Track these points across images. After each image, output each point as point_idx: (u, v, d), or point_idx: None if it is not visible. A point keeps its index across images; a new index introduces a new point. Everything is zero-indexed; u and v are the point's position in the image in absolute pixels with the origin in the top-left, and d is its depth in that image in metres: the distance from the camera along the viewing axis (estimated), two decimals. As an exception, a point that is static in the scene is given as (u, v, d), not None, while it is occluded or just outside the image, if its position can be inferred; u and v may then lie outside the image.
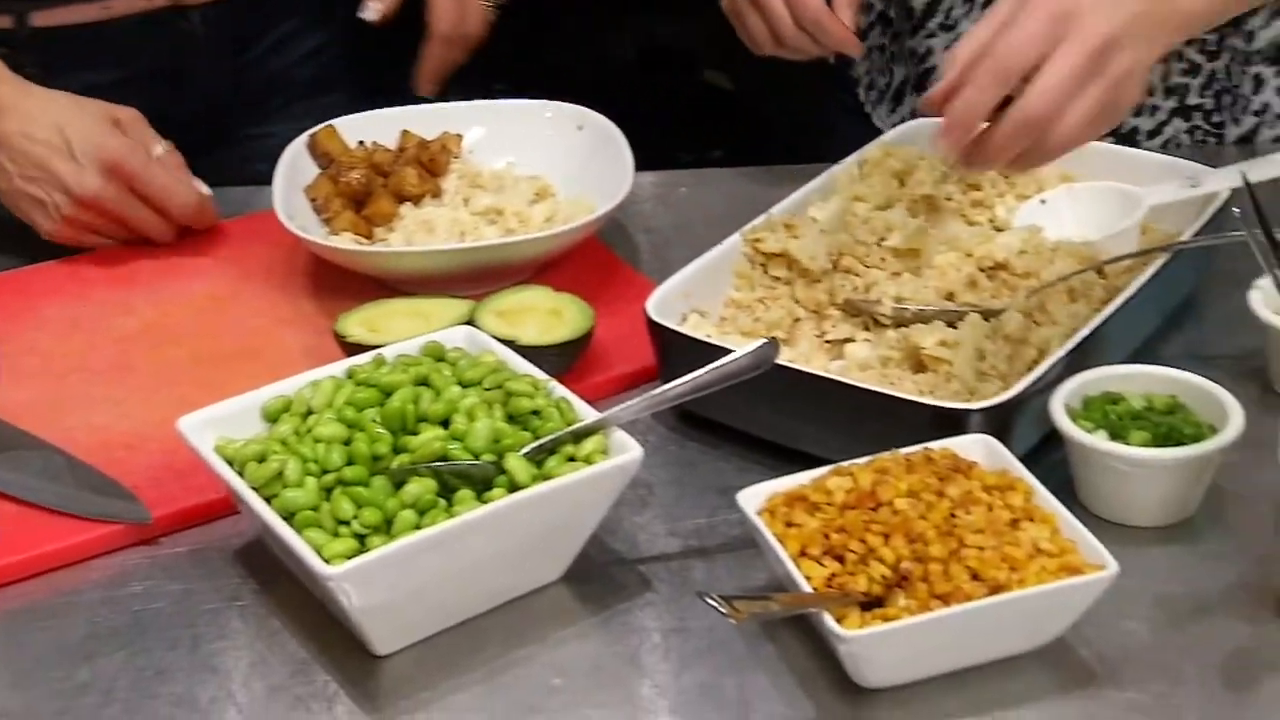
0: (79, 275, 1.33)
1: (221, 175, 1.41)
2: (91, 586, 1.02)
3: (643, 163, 1.33)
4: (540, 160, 1.36)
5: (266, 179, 1.32)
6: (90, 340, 1.25)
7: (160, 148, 1.34)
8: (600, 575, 1.01)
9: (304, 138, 1.33)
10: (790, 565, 0.91)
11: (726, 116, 2.44)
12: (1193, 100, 1.42)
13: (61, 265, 1.35)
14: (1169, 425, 1.01)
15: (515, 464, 0.94)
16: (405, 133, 1.36)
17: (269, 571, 1.01)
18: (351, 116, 1.35)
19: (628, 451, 0.97)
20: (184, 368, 1.21)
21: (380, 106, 1.39)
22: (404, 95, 1.45)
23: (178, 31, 1.52)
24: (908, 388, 1.09)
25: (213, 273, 1.33)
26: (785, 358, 1.14)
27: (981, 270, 1.18)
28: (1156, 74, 1.41)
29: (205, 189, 1.36)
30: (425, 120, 1.35)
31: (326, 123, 1.32)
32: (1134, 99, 1.01)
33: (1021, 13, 0.98)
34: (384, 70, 1.64)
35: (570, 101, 1.40)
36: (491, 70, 1.63)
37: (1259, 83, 1.42)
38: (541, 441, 0.97)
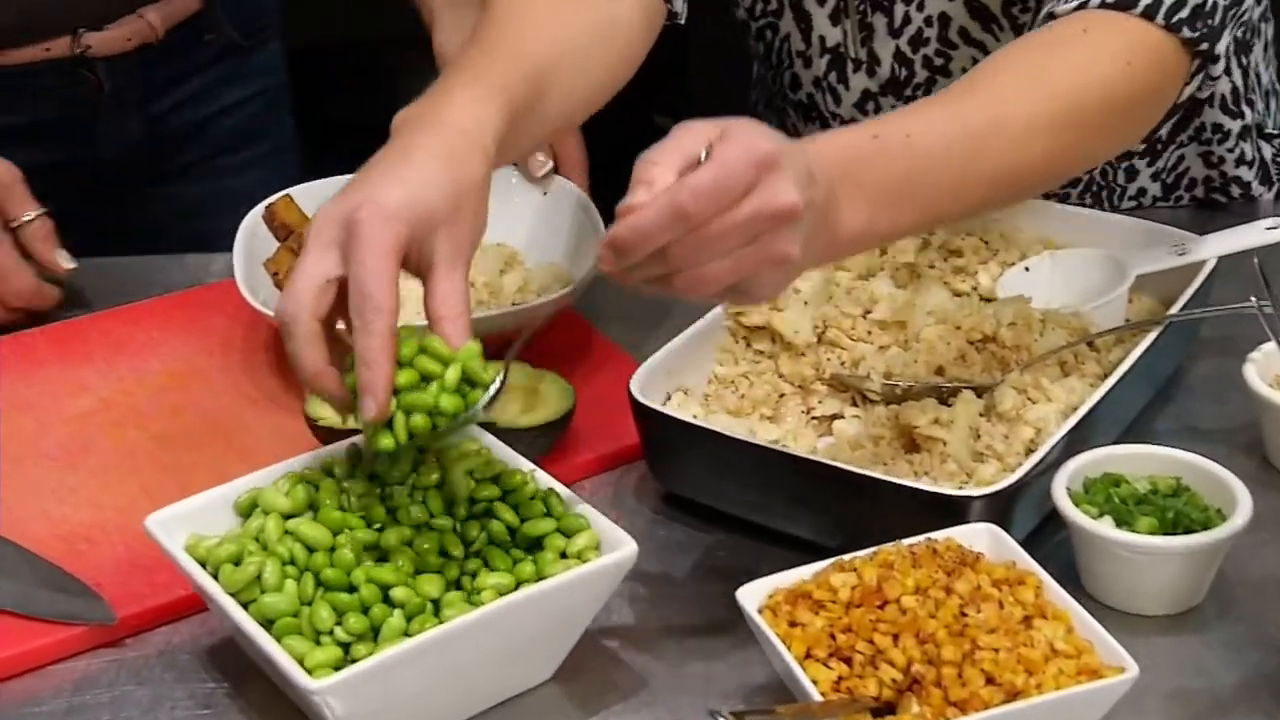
0: (26, 352, 1.28)
1: (149, 232, 1.36)
2: (52, 694, 0.96)
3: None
4: (505, 227, 1.32)
5: (205, 239, 1.27)
6: (42, 422, 1.19)
7: (31, 213, 1.30)
8: (593, 674, 0.97)
9: (260, 208, 1.28)
10: (796, 669, 0.87)
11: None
12: (1071, 204, 1.39)
13: (6, 341, 1.29)
14: (1175, 510, 0.98)
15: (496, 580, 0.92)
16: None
17: (242, 673, 0.96)
18: (308, 185, 1.30)
19: (621, 547, 0.93)
20: (146, 451, 1.16)
21: (315, 156, 1.34)
22: (337, 147, 1.39)
23: (81, 82, 1.48)
24: (902, 468, 1.06)
25: (171, 347, 1.28)
26: (772, 435, 1.12)
27: (970, 343, 1.15)
28: None
29: (69, 263, 1.32)
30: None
31: (283, 192, 1.27)
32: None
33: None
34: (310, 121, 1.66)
35: None
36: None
37: (1132, 173, 1.41)
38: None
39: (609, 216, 1.22)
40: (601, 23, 1.15)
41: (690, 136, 0.89)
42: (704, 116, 1.40)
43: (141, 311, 1.33)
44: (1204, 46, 1.11)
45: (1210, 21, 1.10)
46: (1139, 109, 1.10)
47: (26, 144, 1.45)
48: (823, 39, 1.36)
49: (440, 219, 0.96)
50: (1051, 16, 1.10)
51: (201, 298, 1.33)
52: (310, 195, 1.28)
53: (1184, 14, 1.09)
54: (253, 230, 1.27)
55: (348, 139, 1.42)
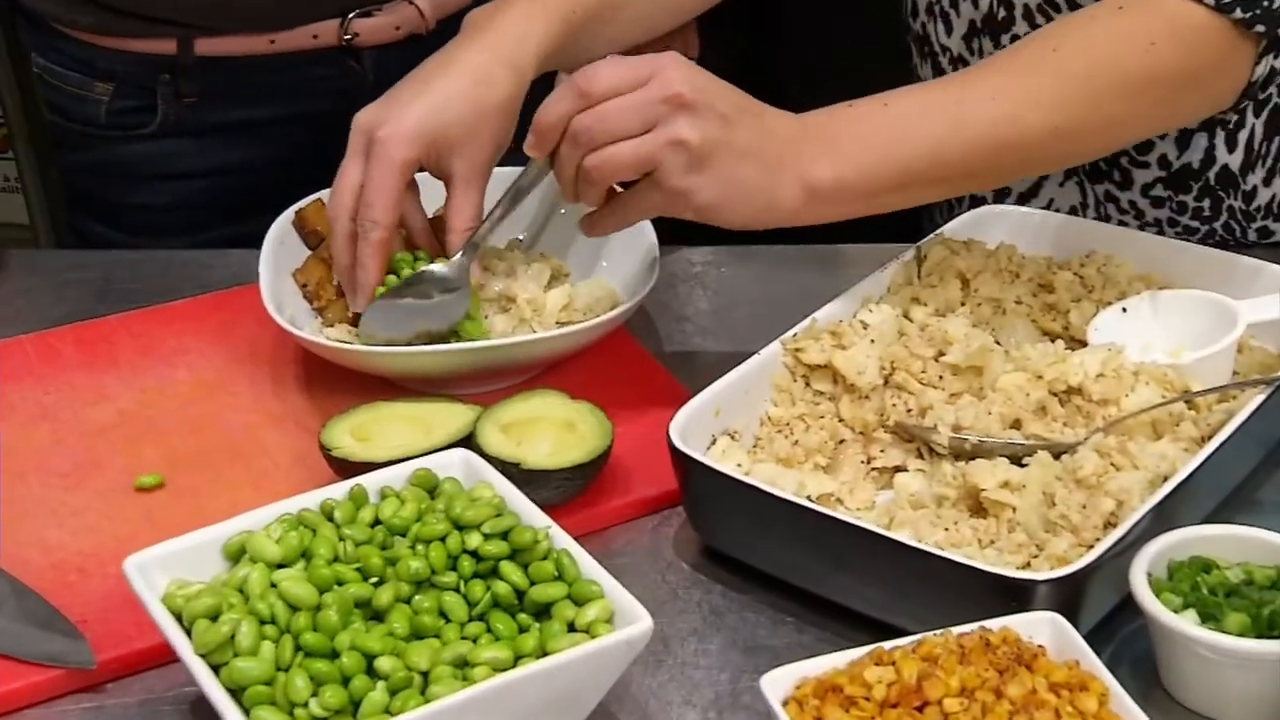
0: (51, 352, 1.21)
1: None
2: (22, 743, 0.90)
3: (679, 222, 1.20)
4: (550, 239, 1.23)
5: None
6: (57, 434, 1.13)
7: None
8: (603, 754, 0.88)
9: (289, 213, 1.20)
10: (819, 777, 0.77)
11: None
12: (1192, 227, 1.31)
13: (33, 340, 1.23)
14: (1273, 608, 0.86)
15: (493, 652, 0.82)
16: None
17: (226, 732, 0.89)
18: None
19: (636, 621, 0.83)
20: (158, 472, 1.08)
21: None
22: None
23: (346, 72, 1.43)
24: (964, 534, 0.96)
25: (199, 354, 1.21)
26: (826, 488, 1.02)
27: (1053, 394, 1.04)
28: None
29: None
30: (424, 191, 1.22)
31: (314, 196, 1.20)
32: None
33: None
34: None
35: None
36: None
37: (1267, 234, 1.30)
38: None
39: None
40: None
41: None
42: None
43: (174, 313, 1.26)
44: (1260, 28, 1.06)
45: (1269, 2, 1.05)
46: (1164, 91, 1.07)
47: (290, 135, 1.44)
48: None
49: (457, 139, 1.10)
50: None
51: (237, 300, 1.25)
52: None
53: None
54: (280, 238, 1.19)
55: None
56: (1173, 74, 1.07)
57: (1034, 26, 1.24)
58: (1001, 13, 1.26)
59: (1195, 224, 1.29)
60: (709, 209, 1.03)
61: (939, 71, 1.34)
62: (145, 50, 1.40)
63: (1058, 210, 1.30)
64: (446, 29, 1.39)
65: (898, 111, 1.05)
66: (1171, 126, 1.22)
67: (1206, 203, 1.27)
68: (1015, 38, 1.26)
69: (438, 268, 1.11)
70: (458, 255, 1.11)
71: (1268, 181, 1.27)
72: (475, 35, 1.13)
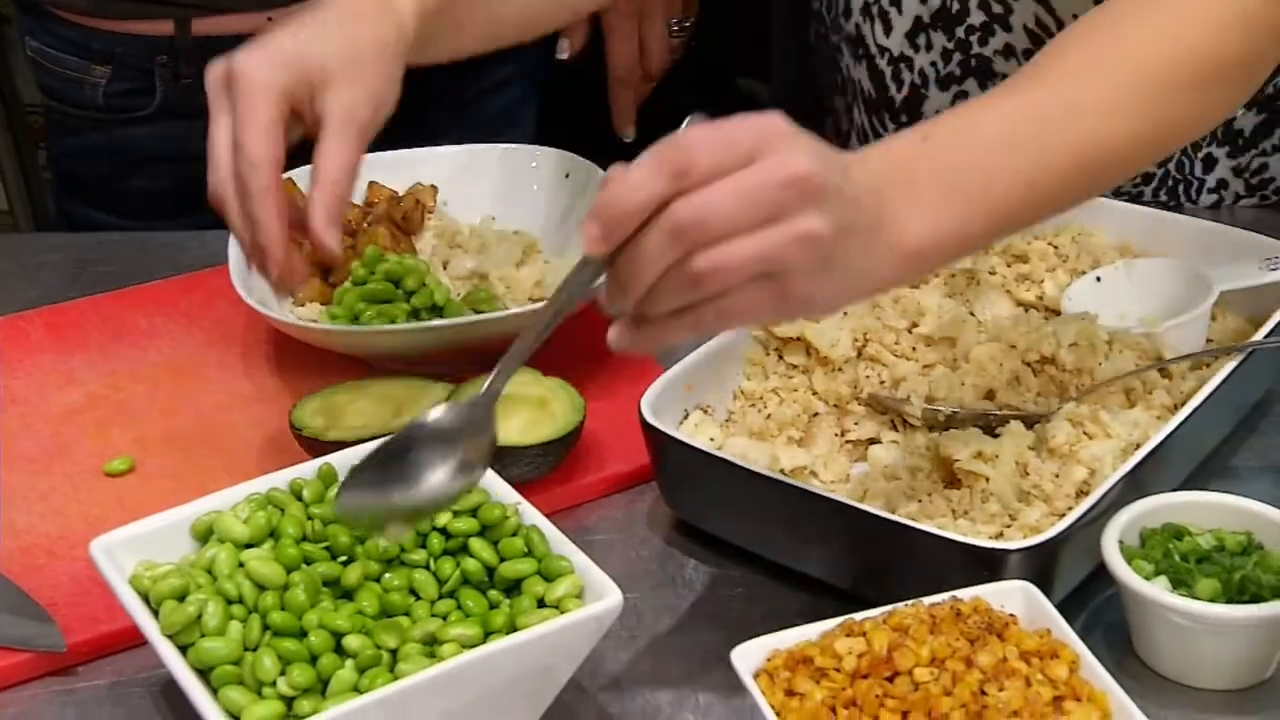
0: (20, 336, 1.21)
1: None
2: (-13, 730, 0.89)
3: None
4: (523, 213, 1.22)
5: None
6: (25, 418, 1.12)
7: None
8: (576, 730, 0.87)
9: None
10: (788, 748, 0.77)
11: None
12: (1145, 202, 1.27)
13: (2, 324, 1.22)
14: (1243, 573, 0.86)
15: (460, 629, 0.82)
16: (373, 185, 1.22)
17: (196, 714, 0.88)
18: (308, 167, 1.21)
19: (605, 596, 0.83)
20: (128, 455, 1.07)
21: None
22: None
23: None
24: (938, 505, 0.95)
25: (170, 337, 1.21)
26: (799, 461, 1.01)
27: (1026, 364, 1.03)
28: None
29: None
30: (393, 169, 1.21)
31: (284, 175, 1.18)
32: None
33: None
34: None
35: (592, 106, 1.26)
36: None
37: (1211, 162, 1.28)
38: None
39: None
40: None
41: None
42: (796, 80, 1.31)
43: (144, 295, 1.25)
44: None
45: None
46: (1236, 77, 0.96)
47: None
48: None
49: (332, 72, 0.92)
50: None
51: (209, 282, 1.25)
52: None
53: None
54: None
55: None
56: (1238, 60, 0.96)
57: (990, 13, 1.22)
58: (955, 5, 1.24)
59: (1151, 168, 1.28)
60: (823, 309, 0.86)
61: (875, 72, 1.30)
62: (142, 31, 1.39)
63: None
64: None
65: (982, 136, 0.87)
66: (1228, 114, 1.10)
67: None
68: (970, 28, 1.23)
69: (442, 415, 0.83)
70: (469, 396, 0.84)
71: None
72: None
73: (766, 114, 0.77)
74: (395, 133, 1.02)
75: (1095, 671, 0.80)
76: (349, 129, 0.92)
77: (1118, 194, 1.29)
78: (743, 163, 0.75)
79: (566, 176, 1.23)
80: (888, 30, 1.27)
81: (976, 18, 1.23)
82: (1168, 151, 0.98)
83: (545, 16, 1.11)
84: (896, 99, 1.31)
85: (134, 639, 0.92)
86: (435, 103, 1.43)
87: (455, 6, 1.01)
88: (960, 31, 1.24)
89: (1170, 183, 1.29)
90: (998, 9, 1.21)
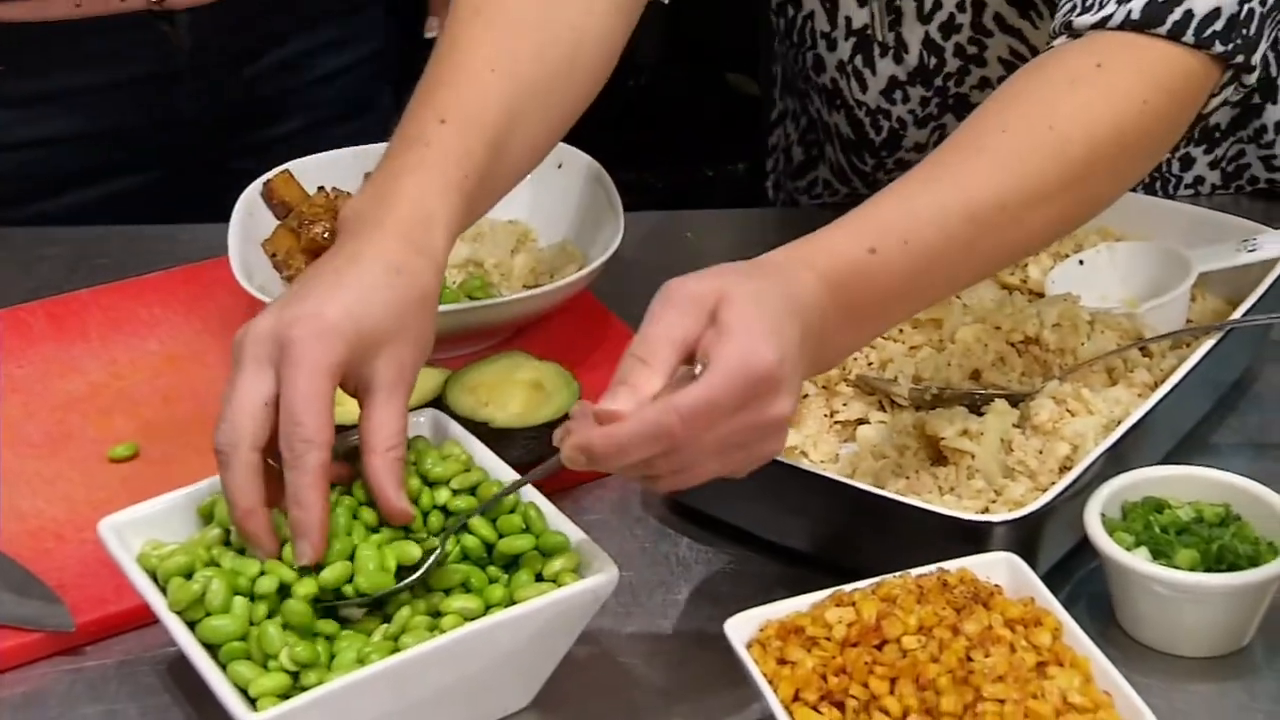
0: (23, 326, 1.22)
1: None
2: (-1, 706, 0.91)
3: (662, 175, 1.20)
4: (517, 203, 1.24)
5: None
6: (29, 406, 1.14)
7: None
8: (575, 702, 0.89)
9: (257, 184, 1.21)
10: (783, 714, 0.79)
11: (751, 124, 2.32)
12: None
13: (4, 315, 1.24)
14: (1221, 543, 0.88)
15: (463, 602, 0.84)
16: (369, 176, 1.23)
17: (203, 692, 0.90)
18: (309, 158, 1.24)
19: (602, 570, 0.85)
20: (131, 441, 1.09)
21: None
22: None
23: (160, 37, 1.40)
24: (924, 482, 0.98)
25: (171, 326, 1.22)
26: (792, 441, 1.03)
27: (1011, 345, 1.06)
28: None
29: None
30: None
31: (281, 168, 1.21)
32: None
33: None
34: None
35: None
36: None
37: (1189, 161, 1.31)
38: None
39: (675, 178, 1.12)
40: (567, 53, 1.04)
41: (681, 323, 0.81)
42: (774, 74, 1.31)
43: (145, 286, 1.27)
44: (1239, 59, 0.98)
45: (1246, 32, 0.98)
46: (1154, 143, 0.99)
47: (104, 106, 1.39)
48: (849, 20, 1.26)
49: (383, 339, 0.89)
50: (1069, 28, 0.98)
51: (209, 273, 1.27)
52: (311, 170, 1.21)
53: (1218, 27, 0.96)
54: (249, 209, 1.20)
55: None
56: (1165, 127, 0.99)
57: (964, 57, 1.24)
58: (932, 61, 1.25)
59: None
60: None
61: (854, 121, 1.31)
62: None
63: None
64: None
65: (920, 251, 0.89)
66: (1148, 171, 1.11)
67: None
68: (948, 75, 1.25)
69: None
70: (408, 581, 0.86)
71: None
72: (373, 227, 0.92)
73: (750, 322, 0.81)
74: None
75: (1077, 637, 0.82)
76: (396, 396, 0.89)
77: None
78: (726, 417, 0.80)
79: (559, 167, 1.25)
80: (864, 89, 1.29)
81: (953, 64, 1.25)
82: (1086, 220, 1.00)
83: (545, 144, 1.07)
84: (876, 140, 1.32)
85: (141, 619, 0.94)
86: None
87: (480, 187, 0.98)
88: (938, 80, 1.26)
89: (1147, 177, 1.31)
90: (972, 50, 1.23)
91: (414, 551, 0.86)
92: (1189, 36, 0.96)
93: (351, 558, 0.85)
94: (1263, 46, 1.01)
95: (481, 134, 0.97)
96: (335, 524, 0.86)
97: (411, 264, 0.91)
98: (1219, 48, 0.97)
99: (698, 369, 0.80)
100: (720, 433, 0.81)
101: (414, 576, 0.85)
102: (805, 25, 1.30)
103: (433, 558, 0.86)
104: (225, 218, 1.22)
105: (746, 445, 0.82)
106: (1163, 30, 0.96)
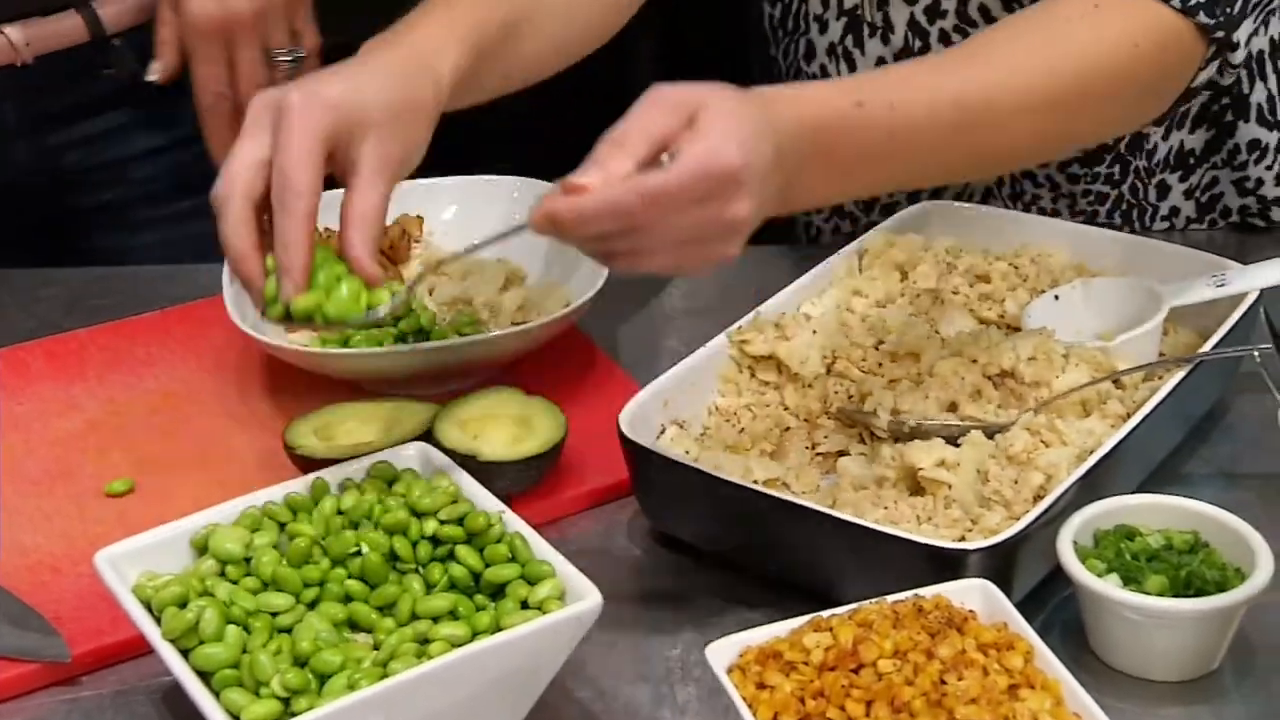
0: (21, 365, 1.25)
1: None
2: (-4, 737, 0.93)
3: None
4: (507, 242, 1.27)
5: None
6: (27, 443, 1.16)
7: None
8: (560, 728, 0.92)
9: None
10: (760, 737, 0.81)
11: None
12: (1100, 223, 1.34)
13: (3, 355, 1.26)
14: (1189, 569, 0.91)
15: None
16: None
17: (197, 718, 0.92)
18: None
19: (585, 598, 0.87)
20: (127, 476, 1.11)
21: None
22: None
23: None
24: (903, 512, 1.00)
25: (166, 364, 1.25)
26: (772, 473, 1.06)
27: (987, 378, 1.08)
28: (1063, 206, 1.35)
29: None
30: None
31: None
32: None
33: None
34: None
35: (589, 111, 1.30)
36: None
37: (1164, 189, 1.34)
38: None
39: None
40: None
41: (660, 120, 0.88)
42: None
43: (140, 326, 1.30)
44: (1220, 34, 1.07)
45: (1229, 10, 1.07)
46: (1145, 92, 1.09)
47: None
48: (840, 1, 1.31)
49: (373, 122, 0.98)
50: None
51: (202, 312, 1.29)
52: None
53: None
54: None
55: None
56: (1149, 75, 1.08)
57: (948, 45, 1.27)
58: (917, 44, 1.29)
59: (1106, 189, 1.33)
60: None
61: None
62: None
63: (974, 189, 1.35)
64: (61, 67, 1.37)
65: (905, 119, 0.98)
66: (1135, 127, 1.24)
67: (1117, 168, 1.32)
68: None
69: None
70: (377, 312, 0.97)
71: (1166, 135, 1.31)
72: (386, 46, 1.03)
73: (724, 123, 0.87)
74: None
75: (1049, 661, 0.84)
76: (380, 176, 0.98)
77: (1074, 216, 1.35)
78: (686, 208, 0.86)
79: None
80: (853, 70, 1.33)
81: (938, 50, 1.28)
82: (1063, 153, 1.12)
83: (573, 47, 1.17)
84: None
85: (136, 649, 0.96)
86: None
87: (485, 59, 1.07)
88: None
89: (1124, 206, 1.34)
90: (957, 39, 1.27)
91: (383, 296, 0.95)
92: (1176, 1, 1.05)
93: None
94: (1247, 25, 1.09)
95: (496, 12, 1.08)
96: (315, 274, 0.94)
97: (413, 75, 1.00)
98: (1203, 18, 1.06)
99: (665, 158, 0.86)
100: (679, 223, 0.86)
101: (381, 311, 0.95)
102: (799, 9, 1.34)
103: (396, 298, 0.95)
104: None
105: (703, 242, 0.88)
106: None
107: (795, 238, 1.47)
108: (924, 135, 0.98)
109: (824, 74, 1.35)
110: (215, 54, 1.30)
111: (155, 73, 1.33)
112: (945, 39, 1.27)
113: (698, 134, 0.86)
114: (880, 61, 1.31)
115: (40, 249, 1.48)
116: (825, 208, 1.43)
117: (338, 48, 1.17)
